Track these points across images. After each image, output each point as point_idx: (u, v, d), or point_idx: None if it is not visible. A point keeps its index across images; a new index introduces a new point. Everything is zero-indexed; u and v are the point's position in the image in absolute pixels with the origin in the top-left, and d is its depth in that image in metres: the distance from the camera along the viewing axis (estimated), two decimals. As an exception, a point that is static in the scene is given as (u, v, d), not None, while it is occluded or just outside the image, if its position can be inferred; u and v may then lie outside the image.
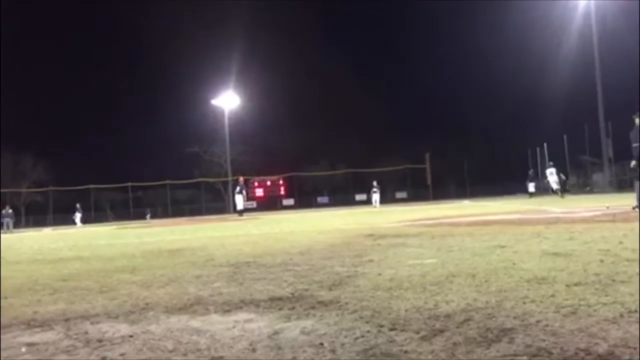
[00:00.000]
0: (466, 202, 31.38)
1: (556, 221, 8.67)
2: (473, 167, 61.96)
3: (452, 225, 9.68)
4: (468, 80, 78.75)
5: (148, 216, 50.82)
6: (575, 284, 3.21)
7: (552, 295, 2.95)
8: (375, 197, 37.19)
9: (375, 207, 34.41)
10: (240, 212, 29.37)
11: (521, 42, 64.65)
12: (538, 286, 3.24)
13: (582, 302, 2.74)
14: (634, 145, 10.41)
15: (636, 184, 10.82)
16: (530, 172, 39.85)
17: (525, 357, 1.99)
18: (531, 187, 37.12)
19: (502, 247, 5.39)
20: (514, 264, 4.19)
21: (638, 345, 2.04)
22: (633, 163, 10.60)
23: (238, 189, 30.04)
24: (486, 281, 3.51)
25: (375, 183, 38.11)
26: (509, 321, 2.48)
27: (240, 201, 29.77)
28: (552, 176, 29.07)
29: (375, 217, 15.62)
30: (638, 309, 2.52)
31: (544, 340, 2.16)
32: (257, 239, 9.25)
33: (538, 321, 2.44)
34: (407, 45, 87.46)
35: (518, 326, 2.39)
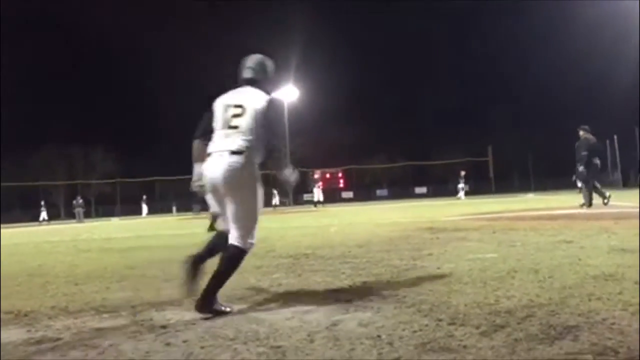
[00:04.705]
0: (530, 196, 30.48)
1: (626, 216, 8.31)
2: (538, 159, 59.93)
3: (514, 219, 9.45)
4: (533, 71, 75.98)
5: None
6: (645, 282, 3.08)
7: (620, 293, 2.85)
8: (460, 187, 34.36)
9: (460, 198, 32.26)
10: (316, 204, 32.09)
11: (590, 30, 62.03)
12: (605, 283, 3.13)
13: (652, 301, 2.63)
14: (583, 153, 12.52)
15: (583, 185, 12.86)
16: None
17: (590, 356, 1.93)
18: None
19: (568, 242, 5.22)
20: (579, 259, 4.06)
21: None
22: (581, 168, 12.56)
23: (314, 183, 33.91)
24: (550, 277, 3.42)
25: (462, 173, 35.16)
26: (573, 318, 2.41)
27: (317, 193, 32.94)
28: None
29: (434, 211, 15.43)
30: None
31: (610, 339, 2.09)
32: (316, 231, 9.32)
33: (604, 319, 2.37)
34: (470, 36, 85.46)
35: (583, 324, 2.32)
